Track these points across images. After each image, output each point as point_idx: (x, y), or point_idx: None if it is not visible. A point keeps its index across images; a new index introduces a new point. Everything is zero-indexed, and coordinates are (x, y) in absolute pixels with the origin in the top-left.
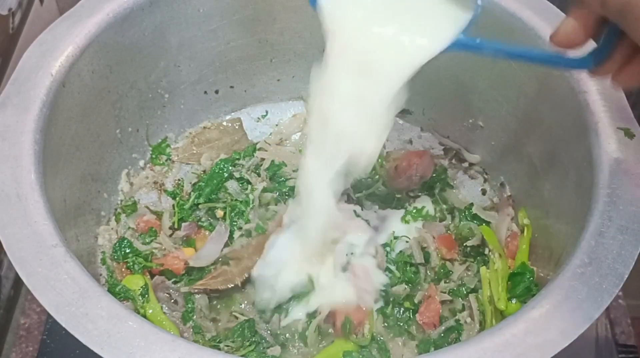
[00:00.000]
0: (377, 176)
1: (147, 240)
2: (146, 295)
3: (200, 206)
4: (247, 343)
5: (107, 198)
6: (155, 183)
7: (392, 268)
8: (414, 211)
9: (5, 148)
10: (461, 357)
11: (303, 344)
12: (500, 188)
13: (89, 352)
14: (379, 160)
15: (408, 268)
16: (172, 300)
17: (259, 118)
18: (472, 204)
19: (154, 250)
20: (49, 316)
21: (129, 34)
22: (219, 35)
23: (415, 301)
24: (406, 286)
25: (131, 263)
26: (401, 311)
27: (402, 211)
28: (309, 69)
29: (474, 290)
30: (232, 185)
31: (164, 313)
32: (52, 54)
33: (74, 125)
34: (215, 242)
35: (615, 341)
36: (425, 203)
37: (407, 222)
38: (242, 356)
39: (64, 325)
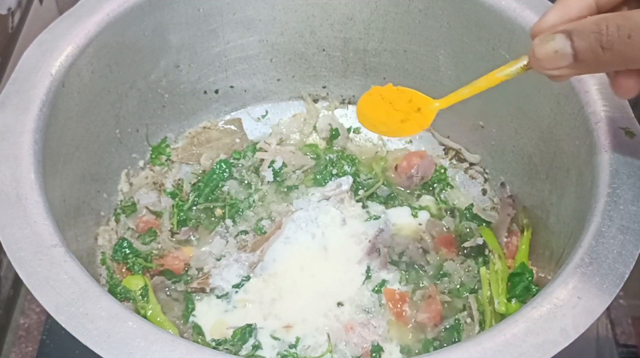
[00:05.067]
0: (377, 176)
1: (146, 240)
2: (146, 296)
3: (199, 206)
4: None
5: (107, 198)
6: (154, 183)
7: (395, 268)
8: (418, 207)
9: (5, 147)
10: (461, 357)
11: None
12: (500, 188)
13: (89, 352)
14: (380, 160)
15: (411, 268)
16: (172, 300)
17: (259, 118)
18: (472, 204)
19: (153, 251)
20: (49, 316)
21: (129, 33)
22: (219, 35)
23: (415, 300)
24: (411, 285)
25: (131, 264)
26: None
27: (405, 209)
28: (309, 69)
29: (474, 290)
30: (231, 185)
31: (164, 313)
32: (51, 54)
33: (73, 125)
34: (216, 242)
35: (615, 341)
36: (427, 203)
37: (415, 216)
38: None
39: (63, 325)
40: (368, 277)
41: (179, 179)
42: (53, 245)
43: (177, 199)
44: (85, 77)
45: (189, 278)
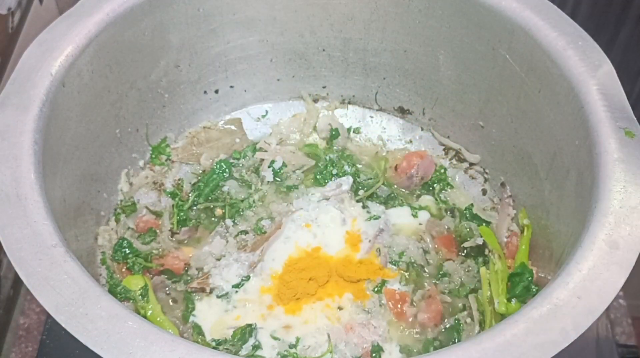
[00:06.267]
0: (378, 176)
1: (146, 240)
2: (146, 296)
3: (199, 206)
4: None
5: (107, 198)
6: (154, 183)
7: (395, 268)
8: (418, 207)
9: (5, 147)
10: (461, 357)
11: None
12: (500, 188)
13: (89, 352)
14: (380, 160)
15: (411, 268)
16: (172, 300)
17: (259, 118)
18: (472, 204)
19: (153, 251)
20: (49, 316)
21: (129, 33)
22: (219, 35)
23: (416, 300)
24: (412, 285)
25: (131, 264)
26: None
27: (405, 209)
28: (309, 69)
29: (474, 290)
30: (231, 185)
31: (164, 313)
32: (51, 54)
33: (73, 125)
34: (216, 242)
35: (615, 341)
36: (427, 203)
37: (415, 216)
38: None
39: (63, 325)
40: None
41: (179, 179)
42: (53, 245)
43: (177, 199)
44: (85, 77)
45: (189, 278)
